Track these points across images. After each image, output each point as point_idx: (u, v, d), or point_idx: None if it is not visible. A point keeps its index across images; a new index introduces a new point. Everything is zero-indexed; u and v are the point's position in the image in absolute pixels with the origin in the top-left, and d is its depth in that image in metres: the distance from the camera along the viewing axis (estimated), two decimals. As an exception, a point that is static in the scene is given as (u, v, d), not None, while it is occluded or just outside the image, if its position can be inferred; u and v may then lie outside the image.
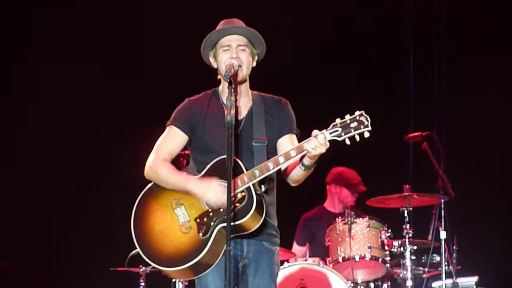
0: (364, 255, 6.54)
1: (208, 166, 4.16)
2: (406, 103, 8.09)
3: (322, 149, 4.00)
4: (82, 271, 7.83)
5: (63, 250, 7.96)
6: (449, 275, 6.47)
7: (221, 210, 4.07)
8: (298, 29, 7.96)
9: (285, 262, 6.45)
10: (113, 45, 8.03)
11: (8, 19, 7.98)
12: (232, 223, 3.93)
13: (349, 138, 4.00)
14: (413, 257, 6.54)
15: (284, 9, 7.96)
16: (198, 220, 4.11)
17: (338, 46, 8.17)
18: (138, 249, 4.18)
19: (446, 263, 6.39)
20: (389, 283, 6.76)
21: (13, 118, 8.01)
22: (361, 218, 6.66)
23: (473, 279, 6.58)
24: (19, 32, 8.00)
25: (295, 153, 4.04)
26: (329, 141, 3.99)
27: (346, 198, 7.35)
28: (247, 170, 4.07)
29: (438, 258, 6.50)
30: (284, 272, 6.30)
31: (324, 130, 4.00)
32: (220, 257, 4.09)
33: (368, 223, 6.63)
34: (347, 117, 4.02)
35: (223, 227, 4.01)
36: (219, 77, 4.33)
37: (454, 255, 6.51)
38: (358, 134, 3.99)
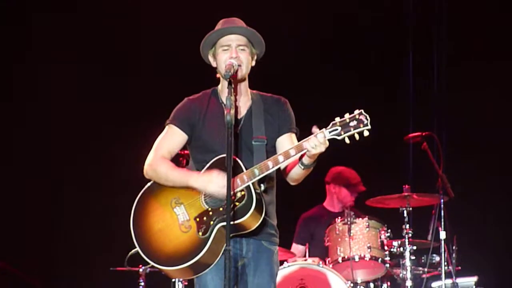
0: (364, 255, 6.54)
1: (208, 164, 4.16)
2: (406, 103, 8.10)
3: (322, 148, 4.00)
4: (82, 271, 7.83)
5: (63, 250, 7.97)
6: (448, 275, 6.46)
7: (221, 209, 4.07)
8: (298, 29, 7.96)
9: (285, 262, 6.44)
10: (113, 45, 8.03)
11: (8, 19, 7.98)
12: (231, 222, 3.93)
13: (349, 137, 4.00)
14: (413, 257, 6.53)
15: (284, 9, 7.97)
16: (197, 219, 4.11)
17: (338, 46, 8.17)
18: (138, 248, 4.17)
19: (445, 263, 6.39)
20: (388, 283, 6.76)
21: (13, 118, 8.02)
22: (360, 218, 6.66)
23: (473, 279, 6.58)
24: (19, 32, 8.00)
25: (295, 152, 4.04)
26: (329, 140, 3.99)
27: (345, 198, 7.35)
28: (246, 169, 4.07)
29: (437, 258, 6.50)
30: (283, 272, 6.30)
31: (324, 129, 4.00)
32: (219, 256, 4.09)
33: (367, 223, 6.62)
34: (347, 116, 4.02)
35: (223, 226, 4.01)
36: (218, 75, 4.34)
37: (454, 255, 6.51)
38: (358, 133, 4.00)
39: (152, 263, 4.16)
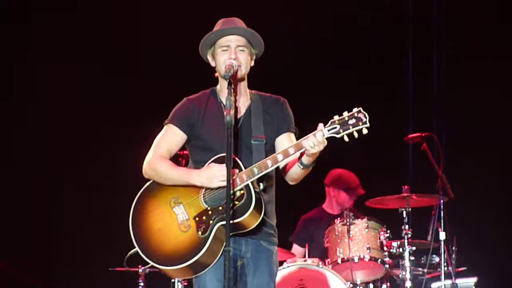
0: (363, 256, 6.53)
1: (207, 164, 4.15)
2: (405, 103, 8.10)
3: (320, 147, 3.99)
4: (82, 271, 7.84)
5: (63, 250, 7.97)
6: (448, 275, 6.46)
7: (220, 208, 4.07)
8: (298, 29, 7.96)
9: (284, 263, 6.44)
10: (113, 45, 8.03)
11: (8, 19, 7.98)
12: (231, 221, 3.92)
13: (348, 135, 4.00)
14: (412, 258, 6.52)
15: (284, 9, 7.97)
16: (197, 219, 4.11)
17: (338, 46, 8.17)
18: (137, 248, 4.17)
19: (445, 263, 6.38)
20: (388, 284, 6.75)
21: (13, 118, 8.02)
22: (360, 219, 6.65)
23: (473, 280, 6.56)
24: (19, 32, 8.00)
25: (294, 150, 4.04)
26: (328, 138, 3.99)
27: (344, 201, 7.33)
28: (245, 168, 4.07)
29: (437, 259, 6.49)
30: (283, 273, 6.29)
31: (323, 127, 4.00)
32: (218, 256, 4.09)
33: (367, 224, 6.62)
34: (345, 114, 4.01)
35: (222, 225, 4.01)
36: (216, 74, 4.34)
37: (454, 255, 6.50)
38: (357, 131, 3.99)
39: (151, 263, 4.16)
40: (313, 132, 4.00)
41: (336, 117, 4.01)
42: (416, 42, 8.17)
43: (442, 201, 6.43)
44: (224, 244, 3.89)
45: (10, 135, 7.97)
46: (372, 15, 8.12)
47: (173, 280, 6.30)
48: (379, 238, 6.62)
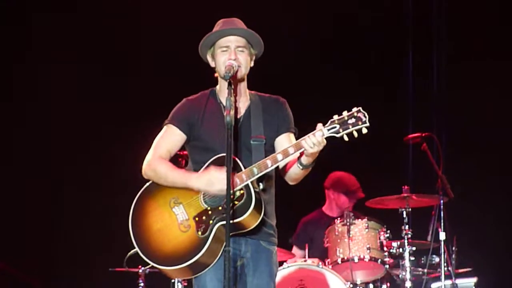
0: (363, 256, 6.53)
1: (206, 164, 4.15)
2: (405, 103, 8.10)
3: (320, 147, 3.99)
4: (82, 271, 7.84)
5: (63, 250, 7.97)
6: (448, 276, 6.45)
7: (220, 208, 4.07)
8: (298, 29, 7.96)
9: (284, 263, 6.44)
10: (113, 45, 8.03)
11: (8, 19, 7.99)
12: (231, 221, 3.92)
13: (347, 134, 3.99)
14: (412, 258, 6.52)
15: (284, 9, 7.97)
16: (197, 219, 4.11)
17: (338, 46, 8.17)
18: (137, 248, 4.17)
19: (445, 264, 6.38)
20: (388, 284, 6.75)
21: (13, 118, 8.02)
22: (360, 219, 6.64)
23: (472, 280, 6.56)
24: (19, 32, 8.00)
25: (293, 150, 4.04)
26: (328, 138, 3.99)
27: (343, 204, 7.33)
28: (245, 168, 4.06)
29: (437, 259, 6.48)
30: (283, 273, 6.29)
31: (322, 127, 4.00)
32: (218, 256, 4.08)
33: (367, 224, 6.62)
34: (345, 113, 4.01)
35: (222, 225, 4.01)
36: (216, 75, 4.34)
37: (454, 256, 6.50)
38: (356, 130, 3.99)
39: (151, 263, 4.16)
40: (313, 132, 4.00)
41: (335, 117, 4.01)
42: (416, 42, 8.16)
43: (442, 201, 6.42)
44: (224, 244, 3.89)
45: (10, 135, 7.97)
46: (372, 15, 8.12)
47: (173, 280, 6.30)
48: (379, 238, 6.62)
